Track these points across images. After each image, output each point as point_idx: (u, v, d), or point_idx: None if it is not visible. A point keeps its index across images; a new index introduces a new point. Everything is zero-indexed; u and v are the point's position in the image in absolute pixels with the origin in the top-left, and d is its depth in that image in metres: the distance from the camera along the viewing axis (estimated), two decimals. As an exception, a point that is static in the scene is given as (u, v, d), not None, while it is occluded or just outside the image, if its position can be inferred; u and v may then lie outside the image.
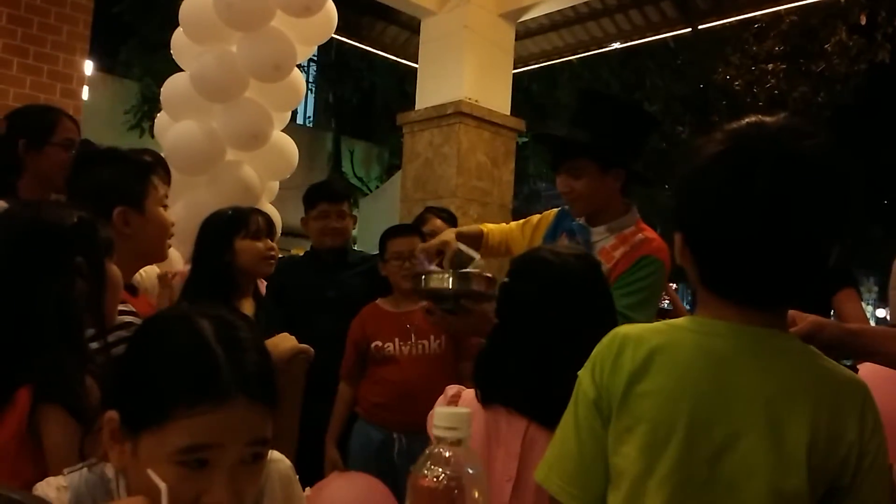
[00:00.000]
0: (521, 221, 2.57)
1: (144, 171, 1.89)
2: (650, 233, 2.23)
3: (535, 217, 2.52)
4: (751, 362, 1.04)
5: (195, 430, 0.90)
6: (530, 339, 1.52)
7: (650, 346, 1.07)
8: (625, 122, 2.21)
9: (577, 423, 1.11)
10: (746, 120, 1.08)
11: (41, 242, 1.38)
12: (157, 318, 1.11)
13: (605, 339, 1.13)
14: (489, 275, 2.01)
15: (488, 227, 2.59)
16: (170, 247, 2.00)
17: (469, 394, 1.62)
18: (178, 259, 2.86)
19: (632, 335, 1.10)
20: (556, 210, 2.46)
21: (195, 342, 0.95)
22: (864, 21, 8.82)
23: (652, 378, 1.05)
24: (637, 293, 2.05)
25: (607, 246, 2.16)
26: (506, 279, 1.62)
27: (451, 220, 4.17)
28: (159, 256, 1.98)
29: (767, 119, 1.07)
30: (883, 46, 8.78)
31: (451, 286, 1.97)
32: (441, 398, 1.68)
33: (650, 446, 1.02)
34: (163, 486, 0.87)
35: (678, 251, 1.14)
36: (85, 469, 1.05)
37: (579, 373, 1.14)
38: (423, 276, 2.04)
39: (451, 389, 1.68)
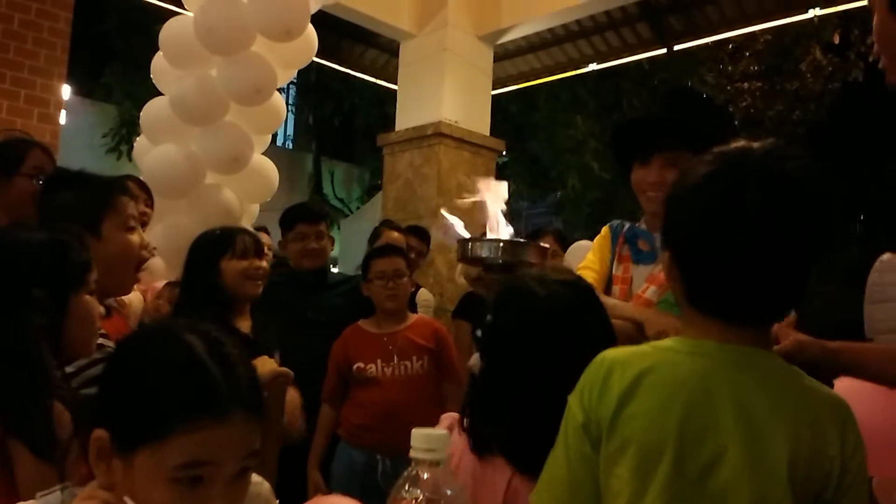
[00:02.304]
0: (595, 255, 2.25)
1: (104, 193, 1.82)
2: None
3: (597, 243, 2.26)
4: (735, 379, 1.06)
5: (195, 446, 0.90)
6: (512, 380, 1.40)
7: (638, 368, 1.08)
8: (716, 119, 2.15)
9: (567, 447, 1.12)
10: (734, 143, 1.12)
11: None
12: (143, 335, 1.10)
13: (593, 364, 1.13)
14: (546, 245, 1.88)
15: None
16: (143, 270, 1.95)
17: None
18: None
19: (619, 359, 1.11)
20: (605, 230, 2.25)
21: (188, 358, 0.95)
22: (837, 40, 8.96)
23: (640, 400, 1.06)
24: None
25: None
26: (488, 316, 1.49)
27: (425, 239, 4.19)
28: (123, 280, 1.86)
29: (754, 143, 1.11)
30: (856, 65, 8.94)
31: (504, 256, 1.79)
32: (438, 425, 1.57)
33: (641, 467, 1.04)
34: None
35: (665, 269, 1.16)
36: (58, 492, 1.04)
37: (569, 398, 1.14)
38: (473, 242, 1.83)
39: (448, 419, 1.56)
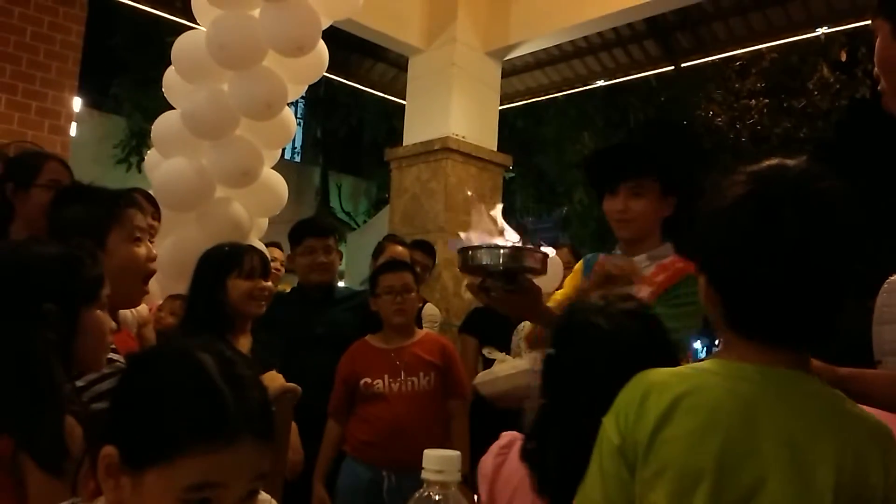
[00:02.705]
0: (566, 290, 2.33)
1: (110, 206, 1.83)
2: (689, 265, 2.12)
3: (569, 280, 2.36)
4: (777, 405, 1.04)
5: (205, 468, 0.91)
6: (572, 418, 1.31)
7: (676, 391, 1.06)
8: (687, 149, 2.19)
9: (602, 470, 1.09)
10: (767, 163, 1.12)
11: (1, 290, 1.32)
12: (158, 353, 1.10)
13: (629, 386, 1.11)
14: (545, 251, 1.85)
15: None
16: (145, 293, 1.95)
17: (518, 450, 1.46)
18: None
19: (656, 381, 1.09)
20: (579, 265, 2.34)
21: (201, 379, 0.95)
22: (844, 57, 8.98)
23: (678, 423, 1.04)
24: (683, 306, 1.96)
25: (648, 274, 2.09)
26: (549, 350, 1.44)
27: (430, 253, 4.19)
28: (130, 293, 1.88)
29: (787, 161, 1.11)
30: (863, 82, 8.94)
31: (506, 262, 1.77)
32: (494, 445, 1.53)
33: (678, 493, 1.01)
34: None
35: (702, 293, 1.15)
36: None
37: (603, 419, 1.11)
38: (473, 251, 1.80)
39: (504, 439, 1.50)
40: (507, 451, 1.47)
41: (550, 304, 2.11)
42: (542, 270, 1.80)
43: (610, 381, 1.23)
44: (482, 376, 2.86)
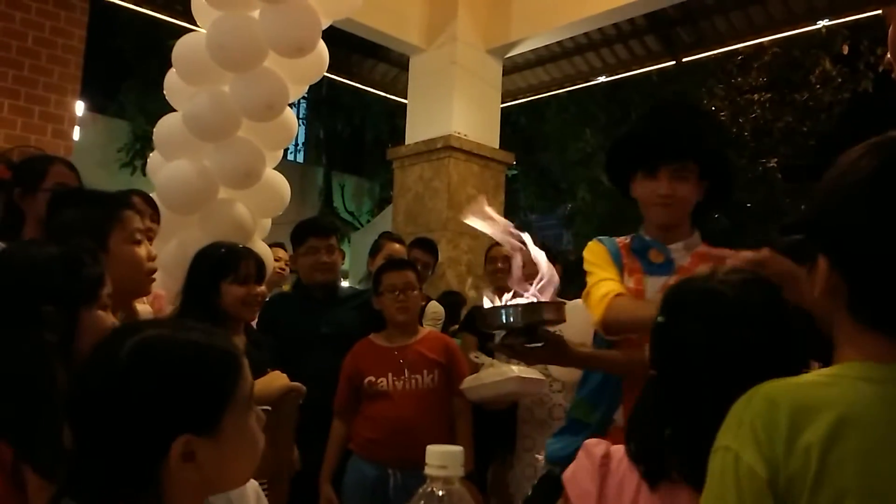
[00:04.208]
0: (608, 268, 2.15)
1: (109, 208, 1.84)
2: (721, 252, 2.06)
3: (602, 257, 2.17)
4: None
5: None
6: (698, 395, 1.21)
7: (832, 412, 0.92)
8: (712, 128, 2.13)
9: None
10: (890, 134, 1.03)
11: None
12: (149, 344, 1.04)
13: (759, 405, 0.95)
14: (561, 300, 1.83)
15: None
16: (152, 282, 1.97)
17: (619, 450, 1.32)
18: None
19: (798, 400, 0.95)
20: (598, 246, 2.18)
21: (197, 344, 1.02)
22: (846, 51, 8.95)
23: (846, 442, 0.91)
24: None
25: (685, 264, 2.00)
26: (659, 318, 1.32)
27: (432, 251, 4.19)
28: (134, 292, 1.91)
29: None
30: (865, 75, 8.92)
31: (521, 319, 1.77)
32: (584, 457, 1.34)
33: None
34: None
35: (822, 278, 1.02)
36: None
37: (729, 444, 0.95)
38: (490, 311, 1.82)
39: (597, 448, 1.33)
40: (607, 461, 1.30)
41: (608, 286, 2.02)
42: (560, 320, 1.78)
43: (731, 353, 1.18)
44: (468, 381, 2.85)
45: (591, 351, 2.03)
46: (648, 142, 2.07)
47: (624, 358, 2.00)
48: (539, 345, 1.82)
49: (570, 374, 2.85)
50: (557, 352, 1.88)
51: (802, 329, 1.24)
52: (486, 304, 1.84)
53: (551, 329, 1.84)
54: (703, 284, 1.29)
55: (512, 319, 1.76)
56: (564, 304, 1.81)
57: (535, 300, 1.76)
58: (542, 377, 2.92)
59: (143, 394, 0.95)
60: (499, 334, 1.95)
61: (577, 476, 1.32)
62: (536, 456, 2.98)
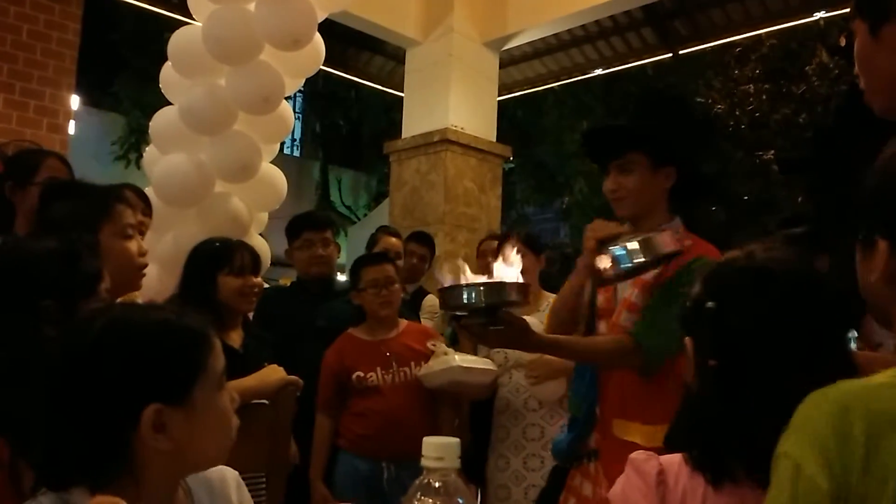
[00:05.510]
0: None
1: (101, 201, 1.83)
2: (701, 241, 2.04)
3: None
4: None
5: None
6: (762, 383, 1.10)
7: None
8: (676, 118, 2.10)
9: None
10: None
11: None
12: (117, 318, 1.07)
13: (828, 409, 0.85)
14: (525, 283, 1.75)
15: None
16: (143, 276, 1.95)
17: (672, 462, 1.18)
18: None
19: (875, 407, 0.83)
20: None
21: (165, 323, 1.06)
22: (843, 42, 8.93)
23: None
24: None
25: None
26: (709, 303, 1.18)
27: (428, 244, 4.17)
28: (124, 287, 1.87)
29: None
30: (863, 67, 8.92)
31: (483, 299, 1.69)
32: (634, 475, 1.20)
33: None
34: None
35: (882, 263, 0.92)
36: (52, 493, 0.99)
37: (789, 450, 0.86)
38: (448, 291, 1.74)
39: (648, 464, 1.19)
40: (664, 478, 1.17)
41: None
42: (523, 302, 1.72)
43: (789, 337, 1.10)
44: (423, 370, 2.86)
45: (554, 337, 2.01)
46: (587, 142, 2.19)
47: (585, 345, 2.03)
48: (500, 328, 1.76)
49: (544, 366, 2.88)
50: (520, 336, 1.83)
51: (841, 294, 1.15)
52: (448, 282, 1.73)
53: (515, 312, 1.78)
54: (748, 264, 1.19)
55: (473, 299, 1.68)
56: (528, 286, 1.76)
57: (497, 280, 1.69)
58: (491, 367, 2.91)
59: (112, 361, 0.98)
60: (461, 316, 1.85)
61: (629, 495, 1.19)
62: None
